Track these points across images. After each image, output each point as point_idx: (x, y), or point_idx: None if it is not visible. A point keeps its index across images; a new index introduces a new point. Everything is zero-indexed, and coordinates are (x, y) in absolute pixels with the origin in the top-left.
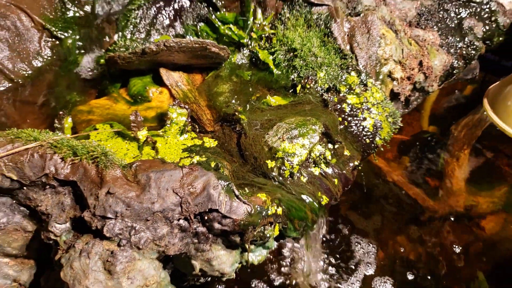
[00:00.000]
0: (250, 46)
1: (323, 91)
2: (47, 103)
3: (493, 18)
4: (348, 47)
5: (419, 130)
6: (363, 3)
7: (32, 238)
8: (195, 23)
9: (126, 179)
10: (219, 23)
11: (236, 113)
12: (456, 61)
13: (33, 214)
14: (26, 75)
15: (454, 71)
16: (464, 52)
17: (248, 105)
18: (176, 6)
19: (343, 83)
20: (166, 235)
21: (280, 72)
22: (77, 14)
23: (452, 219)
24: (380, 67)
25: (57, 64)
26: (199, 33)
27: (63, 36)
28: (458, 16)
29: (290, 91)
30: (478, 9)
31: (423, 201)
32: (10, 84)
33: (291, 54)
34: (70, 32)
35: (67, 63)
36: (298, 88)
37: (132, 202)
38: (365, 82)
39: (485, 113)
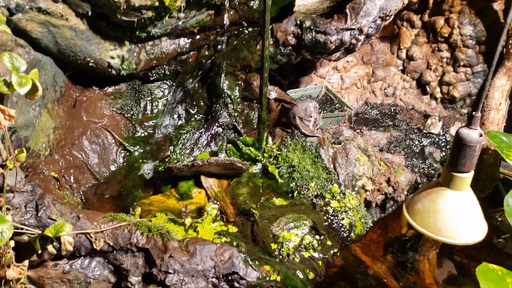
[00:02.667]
0: (262, 162)
1: (313, 196)
2: (119, 196)
3: (448, 146)
4: (332, 166)
5: (399, 232)
6: (344, 135)
7: (113, 287)
8: (226, 143)
9: (181, 248)
10: (242, 145)
11: (251, 209)
12: (419, 178)
13: (116, 270)
14: (105, 175)
15: (419, 185)
16: (426, 171)
17: (259, 203)
18: (212, 131)
19: (328, 191)
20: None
21: (283, 181)
22: (143, 134)
23: None
24: (356, 181)
25: (126, 169)
26: (227, 151)
27: (132, 150)
28: (421, 144)
29: (290, 195)
30: (437, 139)
31: None
32: (95, 182)
33: (291, 169)
34: (137, 147)
35: (133, 168)
36: (295, 193)
37: (185, 263)
38: (344, 191)
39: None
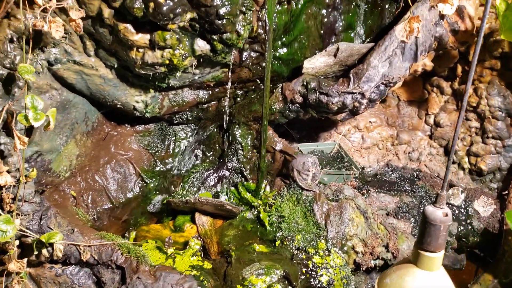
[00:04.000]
0: (258, 208)
1: (295, 248)
2: (127, 221)
3: (468, 221)
4: (323, 222)
5: None
6: (345, 193)
7: None
8: (230, 186)
9: (149, 272)
10: (242, 190)
11: (230, 251)
12: None
13: (97, 282)
14: (121, 201)
15: None
16: None
17: (241, 247)
18: (220, 174)
19: (313, 246)
20: None
21: (271, 229)
22: (162, 169)
23: None
24: (345, 241)
25: (140, 198)
26: (228, 194)
27: (148, 181)
28: None
29: (273, 244)
30: (456, 211)
31: None
32: (110, 205)
33: (281, 219)
34: (154, 179)
35: (146, 198)
36: (278, 243)
37: (148, 286)
38: (329, 249)
39: None
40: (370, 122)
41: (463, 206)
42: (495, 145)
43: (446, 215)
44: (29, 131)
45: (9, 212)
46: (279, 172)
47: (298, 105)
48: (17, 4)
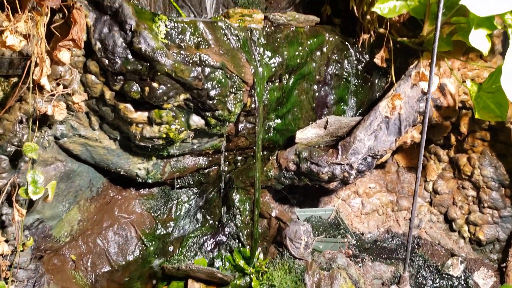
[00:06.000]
0: (251, 276)
1: None
2: (123, 284)
3: None
4: None
5: None
6: (337, 262)
7: None
8: (226, 252)
9: None
10: (237, 256)
11: None
12: None
13: None
14: (120, 264)
15: None
16: None
17: None
18: (217, 239)
19: None
20: None
21: None
22: (162, 233)
23: None
24: None
25: (139, 261)
26: (223, 260)
27: (148, 245)
28: (434, 285)
29: None
30: (456, 283)
31: None
32: (110, 268)
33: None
34: (154, 243)
35: (145, 262)
36: None
37: None
38: None
39: None
40: (369, 187)
41: (462, 277)
42: (492, 215)
43: None
44: (31, 201)
45: (5, 279)
46: (274, 239)
47: (292, 172)
48: (29, 88)
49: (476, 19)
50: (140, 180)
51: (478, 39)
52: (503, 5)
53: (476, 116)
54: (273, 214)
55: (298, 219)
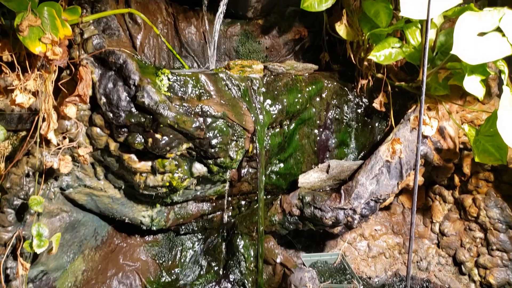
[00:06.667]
0: None
1: None
2: None
3: None
4: None
5: None
6: None
7: None
8: None
9: None
10: None
11: None
12: None
13: None
14: None
15: None
16: None
17: None
18: (222, 287)
19: None
20: None
21: None
22: (167, 280)
23: None
24: None
25: None
26: None
27: None
28: None
29: None
30: None
31: None
32: None
33: None
34: None
35: None
36: None
37: None
38: None
39: None
40: (375, 230)
41: None
42: (501, 258)
43: None
44: (36, 253)
45: None
46: (279, 286)
47: (296, 217)
48: (37, 143)
49: (469, 66)
50: (144, 227)
51: (473, 85)
52: (490, 55)
53: (476, 159)
54: (278, 260)
55: (304, 264)
